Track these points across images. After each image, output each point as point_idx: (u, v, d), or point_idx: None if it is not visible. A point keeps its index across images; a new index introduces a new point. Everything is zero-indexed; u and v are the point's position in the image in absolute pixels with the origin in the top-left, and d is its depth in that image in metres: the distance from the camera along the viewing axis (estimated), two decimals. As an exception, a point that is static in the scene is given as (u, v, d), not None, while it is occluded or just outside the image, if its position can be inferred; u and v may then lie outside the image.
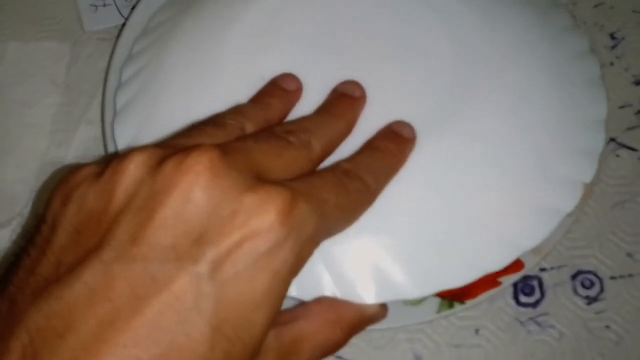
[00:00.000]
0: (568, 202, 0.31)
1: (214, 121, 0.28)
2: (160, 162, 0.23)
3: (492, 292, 0.33)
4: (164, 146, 0.24)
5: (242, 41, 0.34)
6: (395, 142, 0.30)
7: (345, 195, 0.26)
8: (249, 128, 0.28)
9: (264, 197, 0.22)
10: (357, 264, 0.29)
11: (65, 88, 0.41)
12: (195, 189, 0.22)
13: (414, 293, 0.29)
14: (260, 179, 0.23)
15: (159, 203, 0.22)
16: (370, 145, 0.29)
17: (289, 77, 0.32)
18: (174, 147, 0.24)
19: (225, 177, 0.22)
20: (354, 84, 0.31)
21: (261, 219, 0.22)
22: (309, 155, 0.27)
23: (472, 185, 0.30)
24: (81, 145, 0.39)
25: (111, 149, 0.36)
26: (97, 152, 0.39)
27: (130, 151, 0.23)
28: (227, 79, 0.33)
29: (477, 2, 0.34)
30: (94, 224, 0.22)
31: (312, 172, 0.26)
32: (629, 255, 0.36)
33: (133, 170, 0.23)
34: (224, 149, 0.23)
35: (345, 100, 0.31)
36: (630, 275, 0.36)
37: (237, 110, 0.29)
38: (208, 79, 0.33)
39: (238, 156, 0.23)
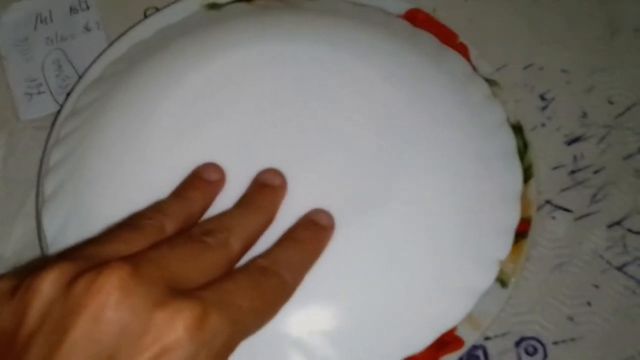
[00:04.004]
0: (484, 281, 0.31)
1: (132, 224, 0.28)
2: (72, 281, 0.23)
3: (434, 372, 0.33)
4: (78, 260, 0.24)
5: (165, 128, 0.34)
6: (312, 231, 0.30)
7: (261, 297, 0.26)
8: (169, 226, 0.28)
9: (173, 312, 0.22)
10: (286, 351, 0.30)
11: (2, 180, 0.40)
12: (106, 309, 0.22)
13: None
14: (172, 292, 0.23)
15: (69, 324, 0.22)
16: (288, 237, 0.30)
17: (211, 167, 0.32)
18: (88, 261, 0.24)
19: (135, 295, 0.22)
20: (274, 172, 0.32)
21: (170, 335, 0.22)
22: (228, 255, 0.27)
23: (395, 269, 0.31)
24: (20, 240, 0.39)
25: (44, 240, 0.36)
26: (37, 246, 0.38)
27: (43, 267, 0.23)
28: (150, 167, 0.33)
29: (399, 80, 0.35)
30: (6, 345, 0.22)
31: (226, 275, 0.26)
32: (570, 318, 0.37)
33: (45, 290, 0.23)
34: (136, 263, 0.23)
35: (266, 190, 0.31)
36: (572, 339, 0.36)
37: (156, 208, 0.29)
38: (132, 167, 0.34)
39: (150, 269, 0.24)
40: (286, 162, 0.32)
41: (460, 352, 0.33)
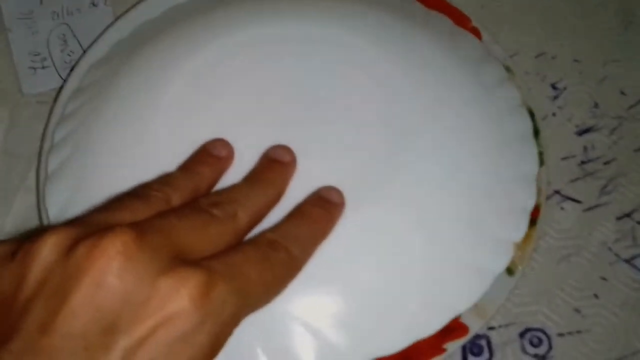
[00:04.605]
0: (499, 263, 0.31)
1: (138, 193, 0.27)
2: (73, 245, 0.22)
3: (437, 359, 0.32)
4: (80, 225, 0.23)
5: (174, 104, 0.33)
6: (323, 208, 0.30)
7: (269, 270, 0.25)
8: (175, 199, 0.27)
9: (178, 280, 0.22)
10: (293, 331, 0.29)
11: (4, 154, 0.40)
12: (108, 274, 0.21)
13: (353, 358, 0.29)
14: (177, 261, 0.22)
15: (69, 289, 0.21)
16: (297, 212, 0.29)
17: (220, 142, 0.32)
18: (90, 227, 0.23)
19: (139, 261, 0.22)
20: (284, 149, 0.31)
21: (175, 303, 0.21)
22: (235, 228, 0.26)
23: (405, 250, 0.30)
24: (20, 214, 0.38)
25: (44, 216, 0.35)
26: (37, 220, 0.38)
27: (43, 232, 0.23)
28: (157, 143, 0.33)
29: (409, 62, 0.34)
30: (5, 309, 0.22)
31: (235, 247, 0.26)
32: (577, 310, 0.36)
33: (45, 253, 0.22)
34: (141, 229, 0.23)
35: (275, 166, 0.31)
36: (578, 332, 0.36)
37: (163, 181, 0.29)
38: (139, 144, 0.33)
39: (155, 236, 0.23)
40: (294, 139, 0.31)
41: (465, 339, 0.32)
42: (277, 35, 0.35)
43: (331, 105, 0.33)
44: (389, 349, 0.30)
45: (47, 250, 0.22)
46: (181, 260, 0.23)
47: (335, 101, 0.33)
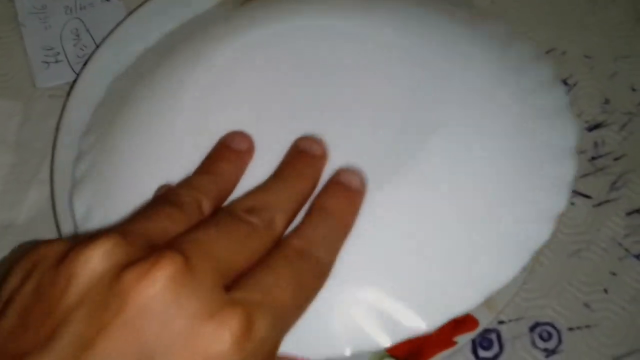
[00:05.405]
0: (540, 235, 0.29)
1: (170, 200, 0.26)
2: (124, 264, 0.22)
3: (448, 352, 0.32)
4: (128, 236, 0.23)
5: (193, 103, 0.33)
6: (344, 198, 0.28)
7: (302, 289, 0.25)
8: (206, 205, 0.27)
9: (221, 321, 0.21)
10: (356, 314, 0.28)
11: (17, 147, 0.40)
12: (154, 303, 0.21)
13: (424, 325, 0.28)
14: (220, 294, 0.22)
15: (115, 310, 0.21)
16: (317, 208, 0.28)
17: (238, 135, 0.31)
18: (138, 238, 0.23)
19: (185, 295, 0.21)
20: (313, 140, 0.30)
21: (216, 345, 0.21)
22: (273, 237, 0.26)
23: (439, 226, 0.29)
24: (33, 207, 0.39)
25: (60, 210, 0.36)
26: (50, 213, 0.38)
27: (96, 238, 0.22)
28: (181, 142, 0.32)
29: (436, 39, 0.33)
30: (45, 311, 0.22)
31: (265, 264, 0.25)
32: (586, 305, 0.36)
33: (94, 263, 0.22)
34: (187, 253, 0.22)
35: (305, 158, 0.29)
36: (588, 326, 0.36)
37: (190, 185, 0.28)
38: (160, 145, 0.33)
39: (200, 261, 0.22)
40: (317, 129, 0.31)
41: (475, 332, 0.33)
42: (299, 30, 0.34)
43: (355, 94, 0.32)
44: (460, 309, 0.28)
45: (97, 259, 0.22)
46: (224, 297, 0.22)
47: (359, 90, 0.32)
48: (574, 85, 0.41)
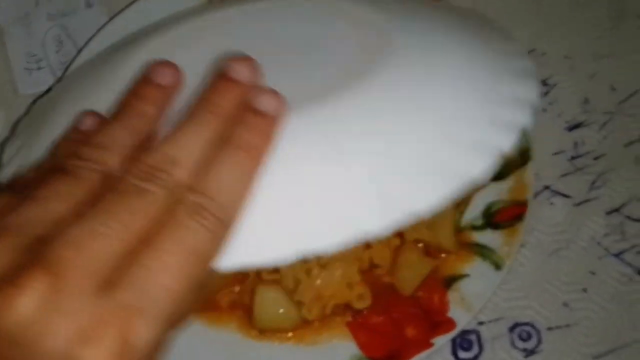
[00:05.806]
0: (506, 139, 0.25)
1: (64, 169, 0.22)
2: None
3: (425, 353, 0.33)
4: (5, 237, 0.21)
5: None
6: (256, 131, 0.23)
7: (197, 261, 0.21)
8: (112, 161, 0.23)
9: (98, 343, 0.19)
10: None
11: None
12: (24, 330, 0.19)
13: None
14: (94, 305, 0.20)
15: None
16: (224, 146, 0.22)
17: (162, 66, 0.26)
18: (16, 239, 0.21)
19: (57, 320, 0.19)
20: (247, 62, 0.24)
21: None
22: (174, 197, 0.21)
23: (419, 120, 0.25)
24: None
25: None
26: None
27: None
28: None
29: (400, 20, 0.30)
30: None
31: (147, 244, 0.21)
32: (566, 304, 0.36)
33: None
34: (57, 269, 0.20)
35: (230, 87, 0.24)
36: (567, 326, 0.36)
37: (95, 144, 0.23)
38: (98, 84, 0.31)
39: (73, 271, 0.20)
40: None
41: (453, 333, 0.33)
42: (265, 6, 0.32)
43: (298, 39, 0.30)
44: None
45: None
46: (99, 309, 0.20)
47: (302, 36, 0.30)
48: (554, 85, 0.41)
